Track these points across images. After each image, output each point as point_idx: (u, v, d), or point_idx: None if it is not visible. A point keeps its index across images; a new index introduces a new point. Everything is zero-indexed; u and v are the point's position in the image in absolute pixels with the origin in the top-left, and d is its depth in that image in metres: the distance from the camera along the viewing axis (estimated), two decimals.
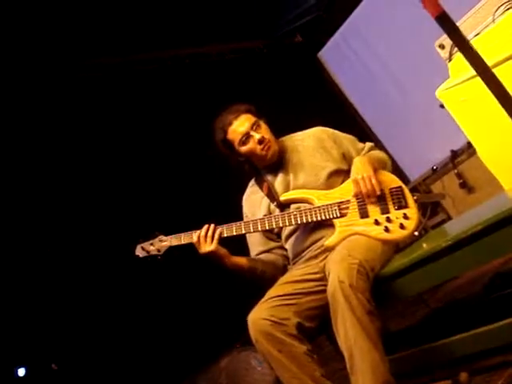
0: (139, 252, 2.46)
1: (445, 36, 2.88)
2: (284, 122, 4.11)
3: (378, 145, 5.92)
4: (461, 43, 1.02)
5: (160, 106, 4.26)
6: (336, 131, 2.56)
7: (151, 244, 2.44)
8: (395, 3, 4.82)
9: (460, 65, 2.68)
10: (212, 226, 2.35)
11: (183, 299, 3.58)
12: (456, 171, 4.15)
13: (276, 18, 5.45)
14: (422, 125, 5.11)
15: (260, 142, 2.40)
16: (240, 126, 2.42)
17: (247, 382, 3.15)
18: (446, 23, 1.02)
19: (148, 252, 2.44)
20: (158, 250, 2.42)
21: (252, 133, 2.41)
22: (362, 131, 5.81)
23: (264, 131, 2.44)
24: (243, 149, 2.44)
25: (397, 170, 5.90)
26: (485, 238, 1.78)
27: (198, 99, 4.36)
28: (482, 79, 1.09)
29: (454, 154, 4.21)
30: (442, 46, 2.84)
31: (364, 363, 1.85)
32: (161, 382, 3.27)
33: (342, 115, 5.73)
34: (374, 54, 5.17)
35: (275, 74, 5.23)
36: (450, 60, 2.78)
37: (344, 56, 5.47)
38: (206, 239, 2.32)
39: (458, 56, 2.73)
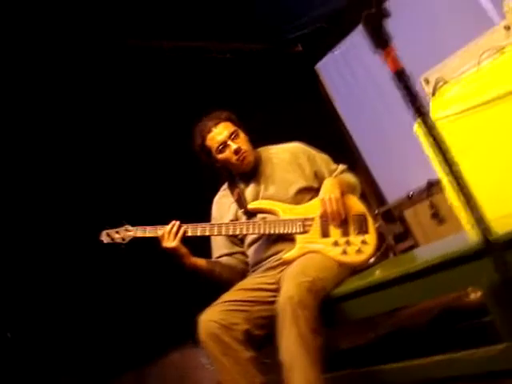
0: (104, 237, 2.50)
1: (431, 71, 2.96)
2: (271, 128, 4.19)
3: (361, 163, 6.02)
4: (415, 103, 1.07)
5: (147, 97, 4.26)
6: (312, 149, 2.62)
7: (117, 232, 2.49)
8: (396, 27, 4.89)
9: (440, 102, 2.76)
10: (177, 223, 2.40)
11: (143, 290, 3.61)
12: (429, 201, 4.24)
13: (280, 24, 5.50)
14: (405, 150, 5.19)
15: (236, 152, 2.45)
16: (218, 134, 2.47)
17: (195, 379, 3.21)
18: (402, 80, 1.06)
19: (112, 239, 2.48)
20: (123, 239, 2.47)
21: (229, 142, 2.46)
22: (347, 148, 5.89)
23: (241, 141, 2.49)
24: (219, 156, 2.49)
25: (376, 190, 6.00)
26: (432, 274, 1.85)
27: (190, 94, 4.39)
28: (432, 140, 1.15)
29: (430, 185, 4.30)
30: (426, 81, 2.91)
31: (300, 379, 1.91)
32: (108, 368, 3.29)
33: (331, 129, 5.80)
34: (369, 74, 5.25)
35: (271, 80, 5.27)
36: (433, 95, 2.86)
37: (340, 73, 5.54)
38: (169, 235, 2.38)
39: (440, 93, 2.81)
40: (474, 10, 4.51)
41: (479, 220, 1.08)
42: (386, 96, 5.14)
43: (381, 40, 1.10)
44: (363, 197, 5.61)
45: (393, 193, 5.48)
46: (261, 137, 2.69)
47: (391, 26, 1.08)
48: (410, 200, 4.62)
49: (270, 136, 2.95)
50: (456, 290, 2.24)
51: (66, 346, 3.31)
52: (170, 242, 2.35)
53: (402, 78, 1.08)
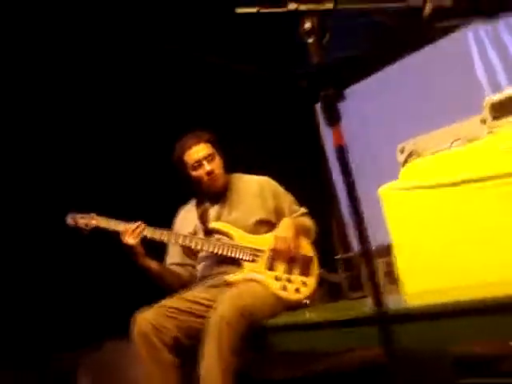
0: (69, 220, 2.65)
1: (409, 142, 3.16)
2: (256, 156, 4.35)
3: (337, 207, 6.19)
4: (347, 180, 1.22)
5: (144, 94, 4.34)
6: (280, 188, 2.79)
7: (82, 217, 2.63)
8: (396, 92, 5.11)
9: (409, 173, 2.95)
10: (143, 225, 2.56)
11: (99, 279, 3.71)
12: (386, 260, 4.41)
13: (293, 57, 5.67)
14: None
15: (208, 173, 2.63)
16: (196, 152, 2.64)
17: (128, 374, 3.32)
18: (341, 156, 1.23)
19: (76, 223, 2.62)
20: (86, 225, 2.61)
21: (204, 162, 2.63)
22: (327, 190, 6.03)
23: (215, 165, 2.66)
24: (193, 173, 2.66)
25: (345, 237, 6.17)
26: (340, 328, 2.03)
27: (186, 100, 4.50)
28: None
29: (390, 245, 4.46)
30: (402, 150, 3.11)
31: None
32: (47, 347, 3.37)
33: (316, 169, 5.96)
34: (362, 126, 5.44)
35: (270, 107, 5.38)
36: (403, 165, 3.05)
37: None
38: (132, 233, 2.53)
39: (411, 164, 3.00)
40: (472, 86, 4.71)
41: (376, 291, 1.24)
42: (372, 150, 5.33)
43: (332, 118, 1.27)
44: (329, 239, 5.78)
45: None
46: (242, 161, 2.86)
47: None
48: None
49: (252, 162, 3.13)
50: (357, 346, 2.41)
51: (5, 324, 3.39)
52: (131, 240, 2.51)
53: (341, 153, 1.25)
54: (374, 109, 5.33)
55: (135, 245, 2.53)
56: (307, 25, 1.31)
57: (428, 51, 5.14)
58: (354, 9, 1.36)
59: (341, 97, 1.26)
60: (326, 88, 1.26)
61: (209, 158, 2.65)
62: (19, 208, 3.59)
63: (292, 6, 1.34)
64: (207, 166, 2.63)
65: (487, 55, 5.06)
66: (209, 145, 2.67)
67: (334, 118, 1.27)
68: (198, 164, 2.64)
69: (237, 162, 2.84)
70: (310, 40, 1.31)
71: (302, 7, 1.33)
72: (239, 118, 4.81)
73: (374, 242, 4.81)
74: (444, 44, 5.01)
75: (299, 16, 1.33)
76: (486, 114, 2.75)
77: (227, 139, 2.82)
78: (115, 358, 3.36)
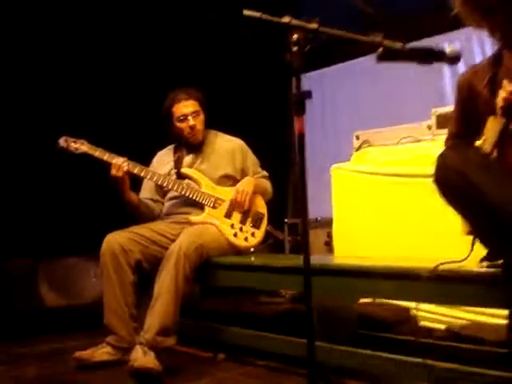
0: (61, 142, 2.98)
1: (364, 132, 3.62)
2: (235, 115, 4.70)
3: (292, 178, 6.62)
4: (300, 165, 1.64)
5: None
6: (249, 151, 3.20)
7: (74, 142, 2.97)
8: (368, 83, 5.50)
9: (359, 159, 3.43)
10: (127, 160, 2.90)
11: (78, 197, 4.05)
12: (328, 231, 4.91)
13: None
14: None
15: (191, 127, 3.03)
16: (184, 107, 3.02)
17: (78, 285, 3.74)
18: (300, 143, 1.65)
19: (67, 146, 2.96)
20: (76, 149, 2.96)
21: (189, 117, 3.02)
22: (290, 161, 6.39)
23: (198, 121, 3.05)
24: (177, 124, 3.05)
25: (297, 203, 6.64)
26: (270, 273, 2.53)
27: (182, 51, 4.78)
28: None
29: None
30: (357, 137, 3.57)
31: (161, 307, 2.51)
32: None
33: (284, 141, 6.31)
34: (333, 106, 5.84)
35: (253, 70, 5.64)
36: (356, 150, 3.52)
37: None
38: (120, 167, 2.88)
39: (362, 152, 3.48)
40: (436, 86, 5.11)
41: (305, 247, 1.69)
42: (335, 130, 5.76)
43: (298, 111, 1.68)
44: (282, 203, 6.20)
45: (312, 210, 6.12)
46: (222, 118, 3.22)
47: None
48: (316, 223, 5.28)
49: (230, 120, 3.51)
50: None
51: None
52: (119, 173, 2.86)
53: (301, 140, 1.67)
54: (345, 93, 5.73)
55: (124, 177, 2.89)
56: (294, 36, 1.72)
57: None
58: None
59: (309, 95, 1.68)
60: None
61: (194, 114, 3.03)
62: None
63: (286, 19, 1.73)
64: (191, 121, 3.02)
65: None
66: (197, 103, 3.05)
67: (300, 110, 1.68)
68: (184, 117, 3.02)
69: (216, 118, 3.19)
70: (295, 49, 1.71)
71: (294, 22, 1.73)
72: (226, 77, 5.12)
73: (321, 213, 5.32)
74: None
75: (290, 28, 1.73)
76: (433, 121, 3.22)
77: (211, 95, 3.17)
78: (69, 271, 3.76)
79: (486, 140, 1.65)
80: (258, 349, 2.61)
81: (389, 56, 1.55)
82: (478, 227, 1.56)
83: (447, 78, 5.00)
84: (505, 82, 1.63)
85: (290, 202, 6.66)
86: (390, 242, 2.94)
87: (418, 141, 3.25)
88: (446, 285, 1.88)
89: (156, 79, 4.31)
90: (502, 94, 1.61)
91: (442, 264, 1.86)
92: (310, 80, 6.15)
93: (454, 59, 1.60)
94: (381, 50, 1.55)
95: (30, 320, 3.35)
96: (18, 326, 3.27)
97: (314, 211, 5.58)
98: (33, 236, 3.76)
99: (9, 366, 2.75)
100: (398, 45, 1.60)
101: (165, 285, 2.54)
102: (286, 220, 5.78)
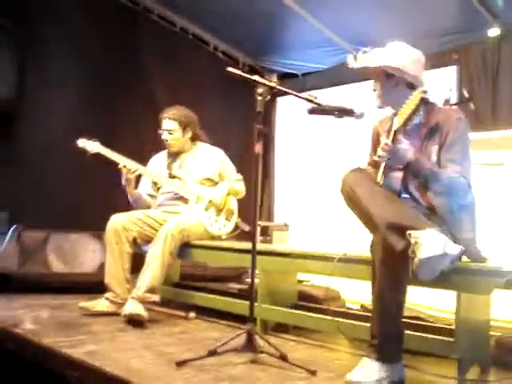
0: (79, 143, 3.82)
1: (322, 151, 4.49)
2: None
3: (270, 183, 7.44)
4: (255, 176, 2.51)
5: None
6: (227, 159, 4.04)
7: (90, 144, 3.80)
8: None
9: None
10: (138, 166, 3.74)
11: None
12: None
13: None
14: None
15: (164, 141, 3.90)
16: (163, 124, 3.88)
17: (80, 257, 4.56)
18: (256, 160, 2.51)
19: (84, 146, 3.81)
20: (92, 150, 3.79)
21: (165, 132, 3.87)
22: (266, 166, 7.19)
23: (171, 138, 3.86)
24: (161, 135, 3.92)
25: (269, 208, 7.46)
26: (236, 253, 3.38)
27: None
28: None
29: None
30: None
31: (150, 271, 3.35)
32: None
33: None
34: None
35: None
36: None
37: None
38: (131, 171, 3.70)
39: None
40: None
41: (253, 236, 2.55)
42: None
43: (258, 137, 2.53)
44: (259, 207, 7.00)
45: (281, 216, 6.95)
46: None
47: None
48: (285, 227, 6.17)
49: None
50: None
51: None
52: (130, 175, 3.69)
53: (257, 159, 2.53)
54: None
55: (134, 178, 3.74)
56: (260, 90, 2.57)
57: None
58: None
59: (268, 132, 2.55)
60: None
61: (168, 131, 3.87)
62: None
63: (255, 77, 2.60)
64: (164, 136, 3.89)
65: None
66: (176, 123, 3.86)
67: (258, 138, 2.54)
68: (162, 132, 3.89)
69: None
70: (260, 98, 2.56)
71: (259, 80, 2.59)
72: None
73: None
74: None
75: (257, 83, 2.58)
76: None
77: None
78: (73, 244, 4.58)
79: (379, 173, 2.49)
80: (219, 310, 3.47)
81: (316, 110, 2.42)
82: (362, 222, 2.41)
83: None
84: (381, 138, 2.51)
85: (264, 208, 7.50)
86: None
87: None
88: (351, 264, 2.74)
89: None
90: (381, 145, 2.43)
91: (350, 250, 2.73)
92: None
93: (359, 116, 2.48)
94: (310, 106, 2.42)
95: (40, 280, 4.16)
96: (31, 284, 4.08)
97: (287, 216, 6.40)
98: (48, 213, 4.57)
99: (28, 309, 3.54)
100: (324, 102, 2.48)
101: (154, 256, 3.38)
102: (259, 223, 6.64)
